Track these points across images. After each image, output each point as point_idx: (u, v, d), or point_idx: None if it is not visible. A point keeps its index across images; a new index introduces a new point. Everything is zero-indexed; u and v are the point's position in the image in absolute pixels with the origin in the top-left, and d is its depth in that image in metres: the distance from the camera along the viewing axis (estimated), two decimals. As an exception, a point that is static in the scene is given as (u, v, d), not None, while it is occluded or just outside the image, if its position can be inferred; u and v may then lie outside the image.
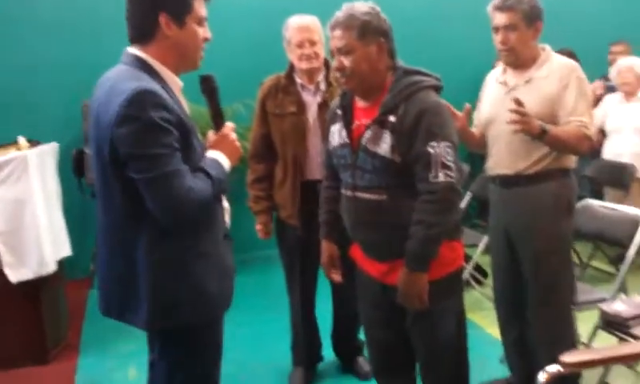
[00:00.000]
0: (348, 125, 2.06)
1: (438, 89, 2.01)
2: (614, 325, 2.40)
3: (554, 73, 2.35)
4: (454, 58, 5.38)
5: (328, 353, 3.11)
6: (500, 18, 2.37)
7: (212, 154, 1.77)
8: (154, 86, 1.61)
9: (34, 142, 3.45)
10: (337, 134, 2.11)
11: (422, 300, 1.96)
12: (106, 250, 1.75)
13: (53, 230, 3.39)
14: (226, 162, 1.77)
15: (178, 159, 1.59)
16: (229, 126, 1.84)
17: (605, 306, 2.47)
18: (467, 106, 2.47)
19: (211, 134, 1.83)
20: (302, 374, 2.97)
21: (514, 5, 2.33)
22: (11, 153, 3.23)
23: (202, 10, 1.73)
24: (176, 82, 1.74)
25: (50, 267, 3.28)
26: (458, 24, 5.38)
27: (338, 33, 1.95)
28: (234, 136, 1.83)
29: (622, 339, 2.36)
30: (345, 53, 1.94)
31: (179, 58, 1.72)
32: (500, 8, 2.36)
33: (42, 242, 3.22)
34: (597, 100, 4.33)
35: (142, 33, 1.68)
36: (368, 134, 1.97)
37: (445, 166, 1.88)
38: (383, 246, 2.06)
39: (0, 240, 3.13)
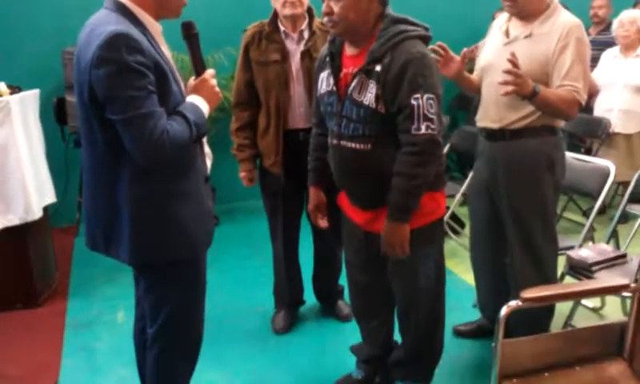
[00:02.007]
0: (336, 72, 2.06)
1: (425, 39, 2.00)
2: (578, 269, 2.52)
3: (555, 30, 2.29)
4: (459, 8, 5.35)
5: (310, 297, 3.22)
6: None
7: (191, 98, 1.82)
8: (131, 29, 1.64)
9: (15, 89, 3.42)
10: (325, 81, 2.11)
11: (404, 249, 2.03)
12: (90, 188, 1.81)
13: (38, 177, 3.41)
14: (204, 107, 1.82)
15: (153, 101, 1.63)
16: (209, 72, 1.88)
17: (571, 252, 2.59)
18: (465, 50, 2.46)
19: (192, 80, 1.88)
20: (284, 315, 3.08)
21: None
22: (-7, 99, 3.22)
23: None
24: (156, 27, 1.77)
25: (36, 214, 3.31)
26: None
27: None
28: (213, 82, 1.87)
29: (587, 283, 2.49)
30: None
31: (160, 4, 1.75)
32: None
33: (28, 188, 3.24)
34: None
35: None
36: (354, 83, 1.98)
37: (427, 119, 1.89)
38: (367, 194, 2.10)
39: (-16, 186, 3.15)
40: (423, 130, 1.90)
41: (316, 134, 2.33)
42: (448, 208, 4.03)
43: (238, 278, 3.77)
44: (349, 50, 2.07)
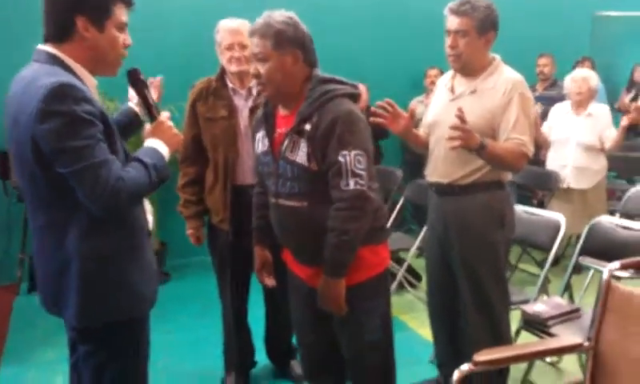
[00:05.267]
0: (270, 133, 2.08)
1: (353, 97, 2.02)
2: (534, 324, 2.49)
3: (500, 86, 2.34)
4: (393, 65, 5.51)
5: (262, 357, 3.09)
6: (452, 22, 2.36)
7: (149, 142, 1.77)
8: (72, 79, 1.59)
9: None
10: (260, 141, 2.12)
11: (340, 305, 2.00)
12: (38, 247, 1.74)
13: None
14: (164, 149, 1.78)
15: (103, 150, 1.58)
16: (164, 114, 1.85)
17: (526, 307, 2.56)
18: (412, 105, 2.49)
19: (147, 127, 1.83)
20: (234, 379, 2.94)
21: (468, 11, 2.32)
22: None
23: (122, 15, 1.71)
24: (91, 80, 1.71)
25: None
26: (409, 28, 5.52)
27: (254, 40, 1.95)
28: (170, 123, 1.83)
29: (541, 338, 2.45)
30: (260, 60, 1.95)
31: (96, 61, 1.70)
32: (454, 12, 2.35)
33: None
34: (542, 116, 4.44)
35: (58, 33, 1.66)
36: (286, 143, 1.99)
37: (355, 174, 1.90)
38: (308, 251, 2.08)
39: None
40: (352, 185, 1.90)
41: (258, 192, 2.31)
42: (403, 261, 4.03)
43: (187, 338, 3.61)
44: (281, 111, 2.08)
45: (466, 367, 1.56)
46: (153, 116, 1.83)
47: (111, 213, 1.62)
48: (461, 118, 2.19)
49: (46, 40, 1.67)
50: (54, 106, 1.52)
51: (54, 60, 1.64)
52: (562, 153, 4.18)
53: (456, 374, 1.55)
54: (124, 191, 1.59)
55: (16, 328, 3.74)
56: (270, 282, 2.36)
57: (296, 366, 3.03)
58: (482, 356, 1.55)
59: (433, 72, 5.14)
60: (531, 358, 2.24)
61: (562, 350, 1.86)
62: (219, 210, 2.71)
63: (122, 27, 1.71)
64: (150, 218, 1.90)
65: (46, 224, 1.68)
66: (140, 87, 1.83)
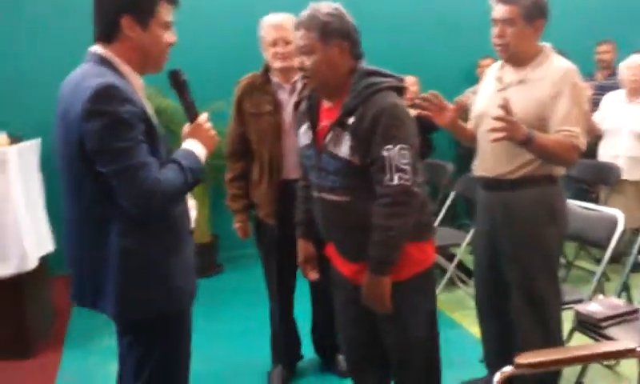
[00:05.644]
0: (313, 126, 2.07)
1: (399, 90, 1.99)
2: (587, 325, 2.39)
3: (550, 76, 2.25)
4: (446, 56, 5.39)
5: (309, 351, 3.11)
6: (499, 11, 2.28)
7: (186, 144, 1.81)
8: (118, 81, 1.63)
9: (15, 139, 3.44)
10: (304, 134, 2.11)
11: (385, 303, 1.97)
12: (77, 242, 1.77)
13: (35, 227, 3.39)
14: (201, 151, 1.81)
15: (143, 151, 1.62)
16: (203, 116, 1.87)
17: (580, 307, 2.46)
18: (458, 98, 2.43)
19: (186, 127, 1.86)
20: (281, 371, 2.97)
21: None
22: (-9, 149, 3.24)
23: (167, 15, 1.75)
24: (138, 81, 1.75)
25: (32, 263, 3.28)
26: (462, 18, 5.39)
27: (300, 32, 1.94)
28: (208, 125, 1.86)
29: (596, 340, 2.35)
30: (306, 53, 1.94)
31: (142, 59, 1.74)
32: (500, 0, 2.28)
33: (24, 238, 3.23)
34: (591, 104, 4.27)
35: (106, 32, 1.71)
36: (330, 136, 1.97)
37: (399, 169, 1.86)
38: (351, 246, 2.06)
39: (-19, 236, 3.14)
40: (396, 180, 1.87)
41: (302, 186, 2.31)
42: (454, 256, 3.95)
43: (237, 328, 3.68)
44: (325, 104, 2.07)
45: (508, 369, 1.51)
46: (192, 116, 1.86)
47: (147, 213, 1.66)
48: (505, 108, 2.11)
49: (96, 41, 1.73)
50: (98, 106, 1.57)
51: (102, 61, 1.69)
52: (614, 142, 4.03)
53: (497, 376, 1.50)
54: (160, 193, 1.63)
55: (78, 316, 3.90)
56: (313, 275, 2.35)
57: (342, 361, 3.02)
58: (524, 358, 1.50)
59: (486, 62, 4.99)
60: (576, 362, 2.14)
61: (611, 354, 1.77)
62: (265, 205, 2.74)
63: (166, 26, 1.75)
64: (192, 213, 1.93)
65: (87, 219, 1.72)
66: (180, 88, 1.85)
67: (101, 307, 1.77)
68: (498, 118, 2.11)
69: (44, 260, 3.53)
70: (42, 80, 4.56)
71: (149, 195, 1.61)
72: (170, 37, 1.77)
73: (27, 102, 4.53)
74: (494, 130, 2.12)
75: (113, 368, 3.15)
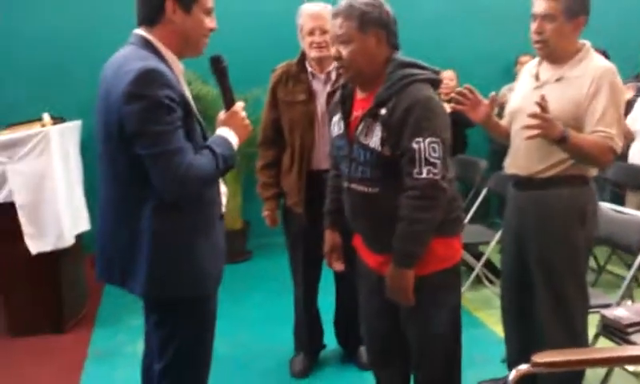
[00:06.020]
0: (346, 116, 2.07)
1: (434, 82, 1.98)
2: (612, 330, 2.35)
3: (588, 75, 2.21)
4: (484, 51, 5.34)
5: (332, 341, 3.14)
6: (539, 6, 2.25)
7: (220, 130, 1.85)
8: (160, 65, 1.68)
9: (58, 120, 3.56)
10: (337, 124, 2.12)
11: (408, 297, 1.97)
12: (110, 220, 1.83)
13: (72, 206, 3.51)
14: (234, 139, 1.85)
15: (180, 136, 1.67)
16: (239, 104, 1.91)
17: (606, 312, 2.42)
18: (492, 94, 2.39)
19: (222, 114, 1.90)
20: (302, 359, 3.01)
21: None
22: (34, 129, 3.35)
23: (209, 0, 1.79)
24: (178, 66, 1.80)
25: (68, 241, 3.40)
26: (501, 13, 5.34)
27: (337, 21, 1.94)
28: (243, 114, 1.90)
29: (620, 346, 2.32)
30: (343, 42, 1.94)
31: (183, 43, 1.78)
32: None
33: (61, 216, 3.34)
34: (627, 105, 4.18)
35: (149, 16, 1.76)
36: (361, 127, 1.97)
37: (429, 163, 1.86)
38: (378, 237, 2.07)
39: (21, 212, 3.26)
40: (424, 174, 1.86)
41: (333, 175, 2.32)
42: (482, 254, 3.92)
43: (264, 314, 3.74)
44: (359, 94, 2.07)
45: (524, 367, 1.51)
46: (228, 104, 1.89)
47: (179, 197, 1.71)
48: (541, 105, 2.09)
49: (140, 24, 1.78)
50: (139, 89, 1.61)
51: (145, 44, 1.74)
52: None
53: (513, 373, 1.50)
54: (193, 179, 1.68)
55: (109, 295, 4.02)
56: (339, 266, 2.36)
57: (364, 353, 3.02)
58: (542, 357, 1.50)
59: (525, 59, 4.91)
60: (594, 364, 2.11)
61: (634, 359, 1.75)
62: (294, 193, 2.77)
63: (208, 11, 1.79)
64: (223, 199, 1.97)
65: (122, 198, 1.78)
66: (220, 74, 1.89)
67: (129, 286, 1.81)
68: (533, 115, 2.09)
69: (79, 238, 3.64)
70: (85, 62, 4.69)
71: (182, 180, 1.65)
72: (211, 22, 1.81)
73: (70, 83, 4.66)
74: (528, 127, 2.10)
75: (140, 346, 3.24)
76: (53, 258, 3.37)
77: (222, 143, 1.81)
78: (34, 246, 3.29)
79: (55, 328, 3.45)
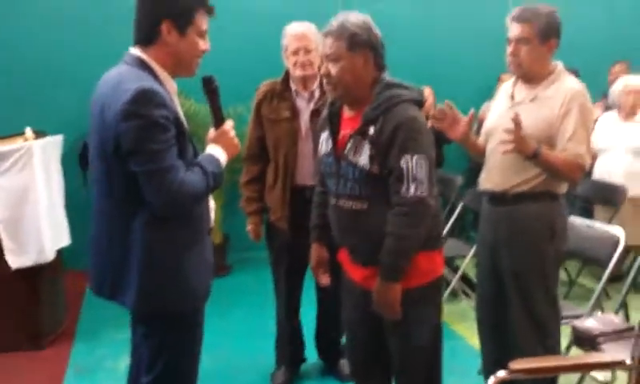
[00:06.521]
0: (334, 134, 2.13)
1: (418, 103, 2.06)
2: (584, 340, 2.44)
3: (559, 96, 2.33)
4: (467, 69, 5.48)
5: (312, 354, 3.18)
6: (514, 29, 2.36)
7: (210, 148, 1.90)
8: (155, 85, 1.73)
9: (40, 134, 3.56)
10: (324, 142, 2.18)
11: (394, 310, 2.02)
12: (102, 233, 1.86)
13: (53, 220, 3.50)
14: (222, 156, 1.91)
15: (173, 154, 1.73)
16: (228, 123, 1.97)
17: (577, 323, 2.52)
18: (471, 111, 2.47)
19: (212, 131, 1.96)
20: (284, 373, 3.04)
21: (531, 18, 2.32)
22: (17, 143, 3.35)
23: (203, 23, 1.85)
24: (172, 85, 1.86)
25: (49, 256, 3.40)
26: (471, 37, 5.50)
27: (328, 41, 2.02)
28: (232, 133, 1.96)
29: (591, 355, 2.41)
30: (332, 60, 2.01)
31: (177, 63, 1.84)
32: (516, 19, 2.36)
33: (42, 231, 3.34)
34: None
35: (145, 36, 1.81)
36: (350, 144, 2.03)
37: (416, 180, 1.93)
38: (365, 252, 2.12)
39: (2, 226, 3.25)
40: (412, 191, 1.94)
41: (319, 191, 2.37)
42: (458, 268, 4.02)
43: (244, 329, 3.77)
44: (347, 113, 2.13)
45: (502, 374, 1.58)
46: (218, 122, 1.95)
47: (171, 213, 1.77)
48: (516, 122, 2.20)
49: (136, 43, 1.83)
50: (136, 108, 1.67)
51: (140, 64, 1.79)
52: (608, 160, 4.08)
53: (491, 380, 1.58)
54: (185, 195, 1.74)
55: (88, 309, 4.01)
56: (325, 280, 2.41)
57: (345, 366, 3.06)
58: (519, 364, 1.57)
59: (506, 77, 5.05)
60: (567, 370, 2.20)
61: (602, 365, 1.84)
62: (278, 209, 2.83)
63: (202, 34, 1.85)
64: (212, 214, 2.02)
65: (114, 212, 1.81)
66: (211, 94, 1.95)
67: (119, 299, 1.84)
68: (508, 131, 2.20)
69: (60, 253, 3.63)
70: (66, 80, 4.72)
71: (174, 197, 1.72)
72: (204, 44, 1.87)
73: (51, 99, 4.68)
74: (504, 141, 2.21)
75: (120, 361, 3.29)
76: (33, 273, 3.36)
77: (213, 161, 1.86)
78: (15, 261, 3.28)
79: (34, 344, 3.43)
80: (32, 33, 4.71)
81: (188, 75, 1.90)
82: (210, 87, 1.94)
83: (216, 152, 1.90)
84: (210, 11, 1.87)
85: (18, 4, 4.73)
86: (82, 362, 3.33)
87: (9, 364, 3.29)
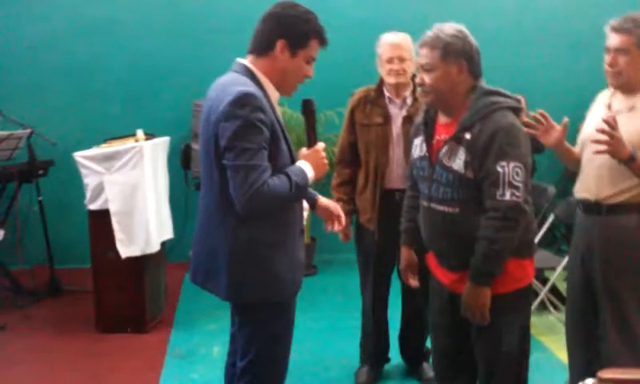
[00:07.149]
0: (429, 139, 2.18)
1: (516, 110, 2.08)
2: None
3: None
4: (565, 79, 5.35)
5: (396, 355, 3.24)
6: (613, 39, 2.34)
7: (300, 163, 2.00)
8: (256, 90, 1.88)
9: (149, 135, 3.87)
10: (418, 146, 2.24)
11: (483, 314, 2.04)
12: (202, 227, 2.04)
13: (159, 215, 3.78)
14: (310, 172, 1.98)
15: (262, 156, 1.84)
16: (320, 144, 2.07)
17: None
18: (565, 119, 2.45)
19: (304, 150, 2.07)
20: (368, 370, 3.12)
21: (631, 29, 2.29)
22: (130, 143, 3.67)
23: (314, 51, 1.99)
24: (274, 93, 1.99)
25: (155, 247, 3.67)
26: (578, 43, 5.35)
27: (423, 51, 2.08)
28: (323, 154, 2.05)
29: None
30: (427, 70, 2.07)
31: (280, 80, 1.98)
32: (616, 29, 2.33)
33: (149, 224, 3.61)
34: None
35: (260, 47, 1.96)
36: (445, 149, 2.08)
37: (512, 186, 1.96)
38: (454, 256, 2.15)
39: (114, 219, 3.56)
40: (508, 196, 1.96)
41: (409, 195, 2.43)
42: (548, 280, 3.93)
43: (329, 327, 3.88)
44: (442, 119, 2.18)
45: (590, 381, 1.57)
46: (311, 142, 2.06)
47: (250, 212, 1.85)
48: (609, 123, 2.17)
49: (250, 51, 1.99)
50: (236, 109, 1.82)
51: (247, 72, 1.95)
52: None
53: (580, 387, 1.57)
54: (265, 196, 1.82)
55: (185, 300, 4.30)
56: (414, 282, 2.48)
57: (427, 369, 3.12)
58: (608, 373, 1.56)
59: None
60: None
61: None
62: (367, 210, 2.92)
63: (309, 60, 1.98)
64: (305, 214, 2.14)
65: (213, 207, 1.97)
66: (309, 116, 2.08)
67: (213, 289, 2.01)
68: (601, 130, 2.17)
69: (163, 246, 3.92)
70: (173, 85, 5.07)
71: (254, 195, 1.80)
72: (309, 70, 2.00)
73: (158, 103, 5.04)
74: (596, 141, 2.18)
75: (215, 349, 3.50)
76: (139, 262, 3.65)
77: (300, 173, 1.95)
78: (125, 251, 3.57)
79: (138, 328, 3.71)
80: (150, 46, 5.07)
81: (285, 95, 2.03)
82: (309, 109, 2.07)
83: (305, 166, 1.98)
84: (323, 42, 1.98)
85: (147, 18, 5.10)
86: (179, 348, 3.57)
87: (116, 344, 3.60)
